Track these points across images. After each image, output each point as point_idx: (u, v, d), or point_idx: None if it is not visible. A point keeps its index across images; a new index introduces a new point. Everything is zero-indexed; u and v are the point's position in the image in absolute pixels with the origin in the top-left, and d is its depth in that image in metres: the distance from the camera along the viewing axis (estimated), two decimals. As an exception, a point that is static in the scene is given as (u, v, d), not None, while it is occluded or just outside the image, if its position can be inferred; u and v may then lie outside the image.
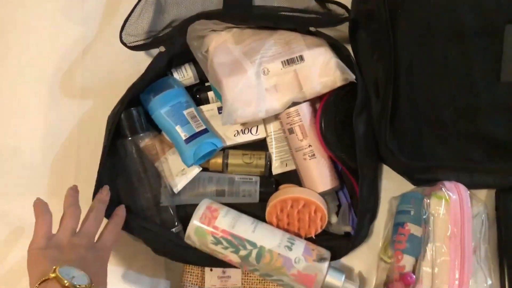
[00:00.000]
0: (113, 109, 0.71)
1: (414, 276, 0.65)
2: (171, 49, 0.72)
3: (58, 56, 0.81)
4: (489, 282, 0.67)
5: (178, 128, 0.71)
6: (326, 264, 0.67)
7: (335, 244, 0.71)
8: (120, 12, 0.81)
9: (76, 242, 0.61)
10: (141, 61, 0.78)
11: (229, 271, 0.74)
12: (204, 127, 0.72)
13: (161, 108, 0.72)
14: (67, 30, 0.82)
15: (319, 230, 0.72)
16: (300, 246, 0.68)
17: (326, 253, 0.69)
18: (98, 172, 0.69)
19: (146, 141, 0.72)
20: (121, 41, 0.73)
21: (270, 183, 0.75)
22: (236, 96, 0.68)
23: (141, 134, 0.72)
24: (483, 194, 0.75)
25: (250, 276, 0.74)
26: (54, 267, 0.55)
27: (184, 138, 0.71)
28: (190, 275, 0.73)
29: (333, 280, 0.67)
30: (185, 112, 0.72)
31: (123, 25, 0.73)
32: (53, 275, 0.55)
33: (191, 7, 0.74)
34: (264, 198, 0.74)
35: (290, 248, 0.67)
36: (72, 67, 0.81)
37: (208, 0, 0.75)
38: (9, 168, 0.80)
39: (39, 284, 0.55)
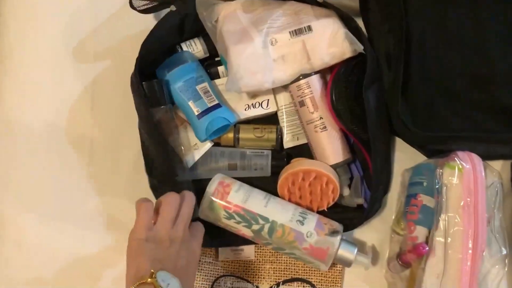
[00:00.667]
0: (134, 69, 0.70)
1: (427, 247, 0.64)
2: (182, 9, 0.72)
3: (69, 23, 0.82)
4: (504, 252, 0.66)
5: (191, 103, 0.71)
6: (338, 238, 0.67)
7: (348, 217, 0.72)
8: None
9: (173, 235, 0.61)
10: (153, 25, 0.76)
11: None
12: (216, 102, 0.71)
13: (175, 83, 0.72)
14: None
15: (331, 203, 0.72)
16: (312, 220, 0.68)
17: (339, 227, 0.69)
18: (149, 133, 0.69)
19: (164, 114, 0.72)
20: (131, 6, 0.72)
21: (282, 156, 0.75)
22: (242, 64, 0.68)
23: (162, 107, 0.72)
24: (498, 165, 0.73)
25: (263, 249, 0.74)
26: (152, 270, 0.56)
27: (196, 113, 0.71)
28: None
29: (346, 253, 0.67)
30: (198, 87, 0.71)
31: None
32: (150, 280, 0.56)
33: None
34: (276, 171, 0.74)
35: (302, 223, 0.67)
36: (83, 33, 0.82)
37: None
38: (24, 139, 0.80)
39: (137, 285, 0.56)
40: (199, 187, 0.72)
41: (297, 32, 0.69)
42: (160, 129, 0.71)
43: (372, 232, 0.74)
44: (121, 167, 0.79)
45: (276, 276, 0.74)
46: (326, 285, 0.73)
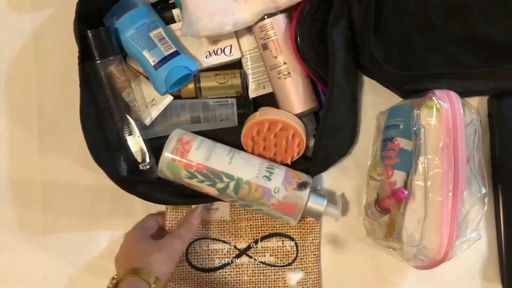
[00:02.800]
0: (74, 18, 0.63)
1: (406, 191, 0.61)
2: None
3: None
4: (483, 191, 0.63)
5: (145, 53, 0.64)
6: (306, 192, 0.63)
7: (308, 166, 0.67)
8: None
9: None
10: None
11: (217, 203, 0.70)
12: (174, 49, 0.65)
13: (125, 31, 0.65)
14: None
15: (296, 157, 0.67)
16: (279, 174, 0.64)
17: (307, 178, 0.65)
18: (81, 103, 0.63)
19: (114, 66, 0.65)
20: None
21: (248, 103, 0.70)
22: (199, 4, 0.61)
23: (110, 58, 0.64)
24: (474, 101, 0.70)
25: (238, 209, 0.70)
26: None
27: (153, 63, 0.64)
28: (175, 211, 0.69)
29: (315, 205, 0.64)
30: (152, 34, 0.64)
31: None
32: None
33: None
34: (243, 120, 0.69)
35: (269, 178, 0.63)
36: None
37: None
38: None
39: None
40: (158, 144, 0.67)
41: (258, -34, 0.62)
42: (111, 84, 0.64)
43: (348, 178, 0.71)
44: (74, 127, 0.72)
45: (253, 233, 0.70)
46: (304, 236, 0.70)
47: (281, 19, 0.65)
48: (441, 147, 0.60)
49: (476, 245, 0.63)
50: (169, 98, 0.68)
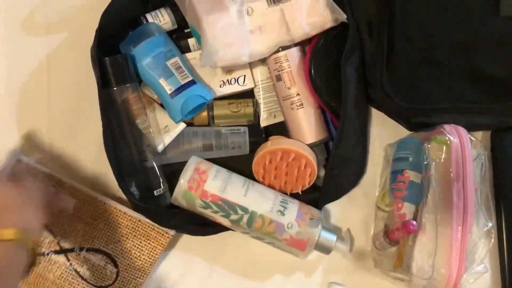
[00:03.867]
0: (93, 41, 0.63)
1: (416, 224, 0.62)
2: None
3: None
4: (490, 224, 0.65)
5: (162, 81, 0.65)
6: (318, 229, 0.64)
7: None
8: None
9: None
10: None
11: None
12: (191, 78, 0.65)
13: (142, 59, 0.65)
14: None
15: (307, 186, 0.68)
16: (293, 210, 0.64)
17: (319, 214, 0.65)
18: (104, 131, 0.63)
19: (130, 93, 0.65)
20: None
21: (260, 132, 0.70)
22: (217, 36, 0.62)
23: (127, 85, 0.65)
24: (478, 135, 0.72)
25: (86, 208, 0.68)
26: None
27: (169, 92, 0.64)
28: None
29: (325, 242, 0.65)
30: (168, 63, 0.65)
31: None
32: None
33: None
34: (255, 148, 0.69)
35: (282, 213, 0.64)
36: (32, 3, 0.73)
37: None
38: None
39: None
40: (170, 171, 0.67)
41: (275, 0, 0.64)
42: (126, 110, 0.65)
43: (356, 209, 0.72)
44: (83, 153, 0.72)
45: (85, 240, 0.67)
46: (131, 271, 0.68)
47: (295, 52, 0.67)
48: (451, 181, 0.62)
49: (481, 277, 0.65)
50: (182, 126, 0.69)
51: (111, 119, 0.65)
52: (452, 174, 0.62)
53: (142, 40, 0.65)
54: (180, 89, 0.64)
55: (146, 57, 0.65)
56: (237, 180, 0.65)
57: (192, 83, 0.65)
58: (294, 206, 0.65)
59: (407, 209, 0.65)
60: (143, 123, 0.66)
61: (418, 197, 0.64)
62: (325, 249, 0.65)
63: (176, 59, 0.66)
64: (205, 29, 0.62)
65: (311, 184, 0.68)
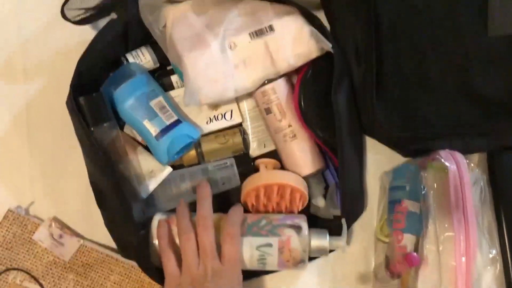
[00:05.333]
0: (68, 94, 0.61)
1: (418, 257, 0.60)
2: (123, 16, 0.63)
3: None
4: (494, 251, 0.63)
5: (146, 123, 0.62)
6: (304, 266, 0.62)
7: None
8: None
9: (203, 271, 0.57)
10: (90, 34, 0.65)
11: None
12: (176, 117, 0.63)
13: (124, 101, 0.63)
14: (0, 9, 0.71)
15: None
16: (273, 260, 0.61)
17: (303, 255, 0.61)
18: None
19: (111, 133, 0.63)
20: (63, 17, 0.63)
21: (248, 161, 0.68)
22: (200, 73, 0.61)
23: (104, 125, 0.62)
24: (474, 158, 0.70)
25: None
26: None
27: (154, 133, 0.62)
28: None
29: (319, 244, 0.61)
30: (152, 103, 0.63)
31: (65, 1, 0.64)
32: None
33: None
34: (245, 178, 0.67)
35: (263, 263, 0.61)
36: (9, 49, 0.71)
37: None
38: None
39: None
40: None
41: (258, 33, 0.62)
42: (107, 154, 0.62)
43: (355, 240, 0.69)
44: (69, 201, 0.69)
45: None
46: None
47: (282, 83, 0.65)
48: (450, 210, 0.60)
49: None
50: (168, 170, 0.66)
51: (98, 162, 0.62)
52: (451, 203, 0.60)
53: (123, 81, 0.63)
54: (165, 130, 0.62)
55: (128, 98, 0.63)
56: None
57: (177, 122, 0.63)
58: (273, 258, 0.61)
59: (408, 240, 0.62)
60: (125, 168, 0.63)
61: (418, 227, 0.62)
62: (322, 252, 0.62)
63: (160, 98, 0.64)
64: (187, 67, 0.60)
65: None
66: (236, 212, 0.62)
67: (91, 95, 0.61)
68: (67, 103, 0.60)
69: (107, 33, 0.63)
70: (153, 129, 0.62)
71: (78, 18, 0.63)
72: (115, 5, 0.63)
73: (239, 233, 0.60)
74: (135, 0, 0.62)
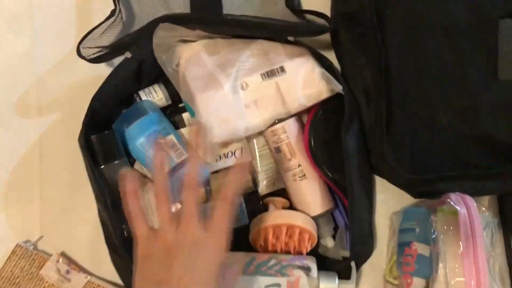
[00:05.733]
0: (81, 130, 0.62)
1: (428, 301, 0.59)
2: (138, 55, 0.64)
3: (7, 73, 0.72)
4: (505, 298, 0.62)
5: None
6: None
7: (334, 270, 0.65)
8: (74, 22, 0.72)
9: (181, 240, 0.48)
10: (105, 72, 0.67)
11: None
12: (186, 155, 0.64)
13: (136, 139, 0.63)
14: (16, 45, 0.72)
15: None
16: None
17: (310, 263, 0.61)
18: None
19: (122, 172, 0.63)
20: (79, 55, 0.64)
21: (257, 199, 0.68)
22: (212, 113, 0.61)
23: (115, 162, 0.63)
24: (484, 201, 0.70)
25: None
26: None
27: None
28: None
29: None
30: (163, 142, 0.63)
31: (82, 39, 0.65)
32: None
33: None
34: (254, 216, 0.66)
35: None
36: (25, 85, 0.72)
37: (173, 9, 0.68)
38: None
39: None
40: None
41: (269, 74, 0.63)
42: (114, 192, 0.61)
43: (364, 282, 0.69)
44: (78, 236, 0.70)
45: None
46: None
47: (292, 123, 0.65)
48: (460, 254, 0.59)
49: None
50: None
51: (106, 200, 0.62)
52: (461, 247, 0.59)
53: (135, 119, 0.64)
54: (176, 168, 0.62)
55: (140, 136, 0.63)
56: None
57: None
58: None
59: (418, 284, 0.62)
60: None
61: (428, 271, 0.61)
62: None
63: (171, 136, 0.64)
64: (199, 107, 0.61)
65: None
66: (239, 172, 0.52)
67: (103, 133, 0.62)
68: (79, 140, 0.61)
69: (121, 71, 0.64)
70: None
71: (93, 56, 0.65)
72: (130, 44, 0.64)
73: (237, 202, 0.53)
74: (150, 39, 0.64)
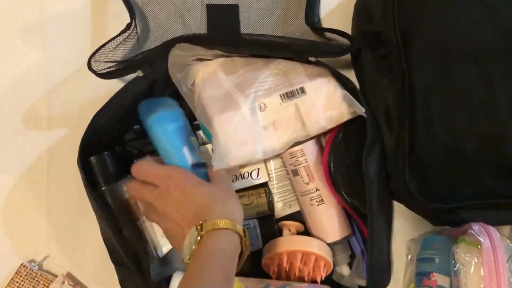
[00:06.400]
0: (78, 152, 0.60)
1: (449, 337, 0.57)
2: (150, 74, 0.62)
3: (19, 85, 0.70)
4: (528, 333, 0.60)
5: (186, 150, 0.59)
6: None
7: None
8: (85, 35, 0.70)
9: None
10: (116, 87, 0.65)
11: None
12: (205, 161, 0.61)
13: (170, 123, 0.59)
14: (28, 57, 0.70)
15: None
16: None
17: None
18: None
19: (124, 192, 0.61)
20: (89, 68, 0.61)
21: (272, 223, 0.66)
22: (230, 136, 0.59)
23: (118, 183, 0.61)
24: (505, 230, 0.68)
25: None
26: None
27: (191, 162, 0.58)
28: None
29: None
30: (192, 138, 0.61)
31: (94, 52, 0.62)
32: None
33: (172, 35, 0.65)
34: (268, 240, 0.64)
35: None
36: (35, 98, 0.69)
37: (190, 29, 0.65)
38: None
39: None
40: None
41: (289, 95, 0.60)
42: (115, 213, 0.60)
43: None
44: (84, 256, 0.68)
45: None
46: None
47: (311, 145, 0.63)
48: (484, 288, 0.57)
49: None
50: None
51: (109, 221, 0.59)
52: (484, 282, 0.57)
53: (167, 108, 0.61)
54: (200, 165, 0.59)
55: (174, 122, 0.60)
56: None
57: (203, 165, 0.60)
58: None
59: (437, 318, 0.60)
60: (142, 224, 0.62)
61: (448, 304, 0.59)
62: None
63: (195, 138, 0.62)
64: (217, 130, 0.58)
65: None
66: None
67: (101, 154, 0.60)
68: (77, 161, 0.59)
69: (131, 90, 0.62)
70: (190, 158, 0.58)
71: (103, 71, 0.62)
72: (143, 63, 0.62)
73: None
74: (164, 59, 0.61)
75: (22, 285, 0.64)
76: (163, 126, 0.59)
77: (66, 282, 0.64)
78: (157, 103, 0.62)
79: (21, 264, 0.64)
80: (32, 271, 0.64)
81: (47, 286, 0.64)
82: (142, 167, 0.56)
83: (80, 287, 0.65)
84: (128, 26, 0.63)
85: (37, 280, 0.64)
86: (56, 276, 0.65)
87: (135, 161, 0.58)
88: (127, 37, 0.63)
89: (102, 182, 0.60)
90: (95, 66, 0.62)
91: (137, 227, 0.62)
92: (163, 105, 0.62)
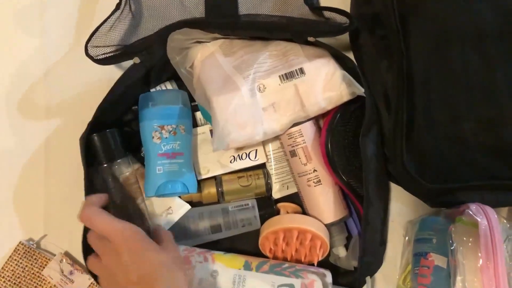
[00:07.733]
0: (84, 131, 0.60)
1: (445, 316, 0.57)
2: (147, 61, 0.62)
3: (16, 73, 0.70)
4: (524, 313, 0.60)
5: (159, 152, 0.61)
6: None
7: (345, 282, 0.64)
8: (83, 22, 0.70)
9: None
10: (113, 73, 0.66)
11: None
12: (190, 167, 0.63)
13: (151, 120, 0.62)
14: (25, 44, 0.70)
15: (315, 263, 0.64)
16: None
17: (327, 277, 0.60)
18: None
19: (124, 170, 0.61)
20: (87, 54, 0.61)
21: (269, 203, 0.67)
22: (229, 118, 0.59)
23: (118, 161, 0.61)
24: (503, 211, 0.68)
25: None
26: None
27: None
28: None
29: None
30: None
31: (90, 37, 0.62)
32: None
33: (169, 19, 0.64)
34: (266, 221, 0.65)
35: None
36: (33, 85, 0.70)
37: (188, 12, 0.65)
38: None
39: None
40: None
41: (288, 76, 0.60)
42: (121, 190, 0.61)
43: (376, 292, 0.67)
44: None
45: None
46: None
47: (309, 126, 0.63)
48: (480, 267, 0.57)
49: None
50: (186, 207, 0.64)
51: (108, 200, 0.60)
52: (481, 260, 0.57)
53: (167, 103, 0.62)
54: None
55: (156, 120, 0.62)
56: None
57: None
58: None
59: (434, 297, 0.60)
60: (140, 204, 0.62)
61: (445, 283, 0.59)
62: None
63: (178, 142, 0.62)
64: (216, 111, 0.58)
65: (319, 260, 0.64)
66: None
67: (105, 131, 0.60)
68: (80, 139, 0.59)
69: (128, 78, 0.62)
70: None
71: (101, 57, 0.62)
72: (140, 50, 0.62)
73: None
74: (162, 45, 0.62)
75: (21, 262, 0.64)
76: (146, 121, 0.61)
77: (64, 260, 0.64)
78: (155, 98, 0.63)
79: (19, 242, 0.64)
80: (30, 249, 0.64)
81: (45, 264, 0.64)
82: (98, 220, 0.54)
83: (79, 266, 0.65)
84: (118, 6, 0.63)
85: (35, 258, 0.64)
86: (54, 255, 0.65)
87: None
88: (119, 16, 0.63)
89: (104, 160, 0.60)
90: (92, 51, 0.62)
91: (136, 206, 0.62)
92: (158, 101, 0.62)
